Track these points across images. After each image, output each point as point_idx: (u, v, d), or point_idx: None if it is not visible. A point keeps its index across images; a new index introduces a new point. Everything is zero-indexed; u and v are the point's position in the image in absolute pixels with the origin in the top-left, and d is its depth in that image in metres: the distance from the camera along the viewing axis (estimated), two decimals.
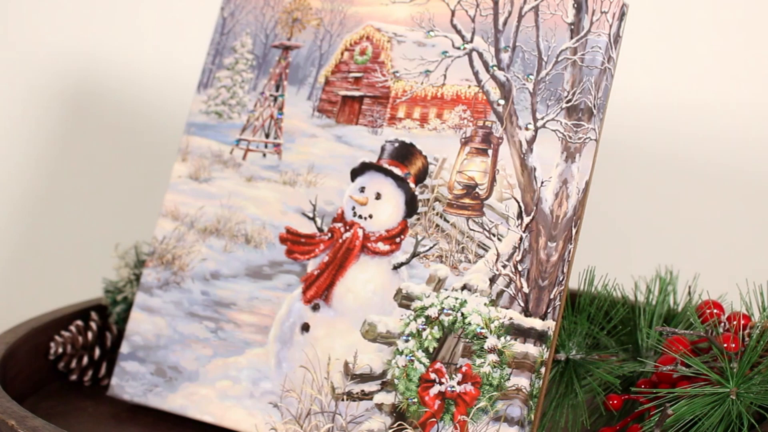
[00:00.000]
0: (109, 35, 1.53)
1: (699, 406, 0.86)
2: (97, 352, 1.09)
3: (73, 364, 1.09)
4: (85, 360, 1.09)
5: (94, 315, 1.13)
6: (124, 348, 1.05)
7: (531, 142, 0.89)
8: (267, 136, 1.04)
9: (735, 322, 0.94)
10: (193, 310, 1.02)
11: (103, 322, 1.13)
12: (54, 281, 1.52)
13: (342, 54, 1.02)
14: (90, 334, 1.10)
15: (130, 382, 1.03)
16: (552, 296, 0.86)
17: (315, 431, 0.92)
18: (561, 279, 0.87)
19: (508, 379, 0.85)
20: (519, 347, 0.86)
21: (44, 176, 1.54)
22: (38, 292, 1.51)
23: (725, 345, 0.91)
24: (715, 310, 0.93)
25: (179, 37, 1.52)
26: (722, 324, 0.95)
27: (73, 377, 1.09)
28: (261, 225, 1.01)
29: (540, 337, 0.85)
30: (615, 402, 0.94)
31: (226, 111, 1.07)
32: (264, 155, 1.03)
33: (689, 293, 1.03)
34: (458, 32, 0.95)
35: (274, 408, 0.95)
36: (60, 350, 1.08)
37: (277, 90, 1.04)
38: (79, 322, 1.11)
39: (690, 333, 0.90)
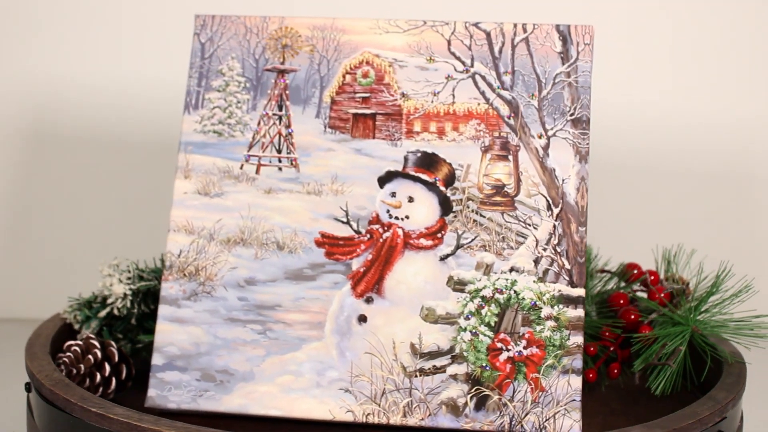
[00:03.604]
0: (75, 58, 1.48)
1: (669, 340, 1.04)
2: (107, 368, 1.01)
3: (86, 383, 1.00)
4: (98, 378, 1.00)
5: (88, 332, 1.04)
6: (158, 360, 0.99)
7: (546, 148, 1.00)
8: (279, 151, 1.03)
9: (652, 278, 1.14)
10: (233, 315, 0.99)
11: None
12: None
13: (343, 77, 1.04)
14: (98, 352, 1.01)
15: (173, 391, 0.98)
16: (586, 270, 0.98)
17: (394, 407, 0.96)
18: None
19: (568, 338, 0.96)
20: (572, 312, 0.96)
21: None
22: None
23: (660, 298, 1.10)
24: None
25: (144, 58, 1.47)
26: (647, 280, 1.13)
27: None
28: (292, 232, 1.01)
29: (583, 302, 0.97)
30: (592, 349, 1.08)
31: (226, 130, 1.04)
32: (280, 169, 1.03)
33: (594, 257, 1.20)
34: (458, 58, 1.03)
35: (346, 393, 0.96)
36: (74, 371, 0.99)
37: (280, 110, 1.04)
38: (80, 342, 1.02)
39: (677, 287, 1.07)
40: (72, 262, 1.46)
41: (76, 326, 1.08)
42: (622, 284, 1.15)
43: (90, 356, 1.01)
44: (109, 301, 1.05)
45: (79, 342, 1.02)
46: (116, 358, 1.03)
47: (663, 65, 1.50)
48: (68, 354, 1.00)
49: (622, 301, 1.10)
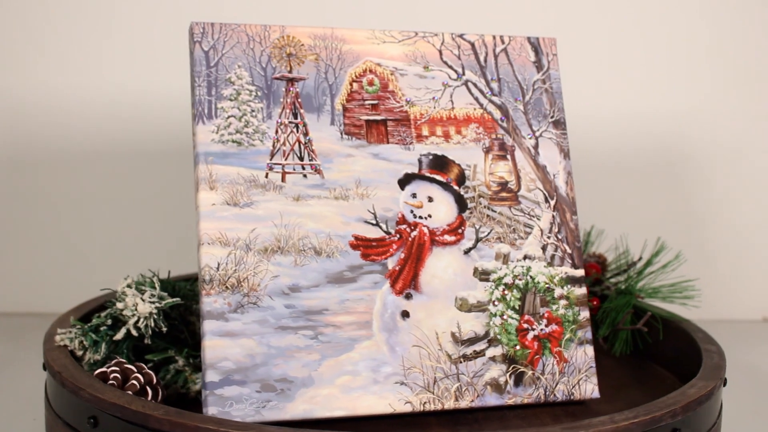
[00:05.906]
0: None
1: (623, 307, 1.16)
2: (150, 392, 0.92)
3: None
4: None
5: (119, 358, 0.93)
6: (212, 377, 0.92)
7: (536, 147, 1.07)
8: (301, 158, 0.99)
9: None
10: (283, 323, 0.95)
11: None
12: None
13: (351, 85, 1.03)
14: (140, 377, 0.92)
15: (234, 406, 0.92)
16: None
17: (446, 392, 0.98)
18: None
19: (579, 314, 1.04)
20: (578, 291, 1.05)
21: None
22: None
23: (594, 270, 1.22)
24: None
25: (136, 66, 1.41)
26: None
27: None
28: (326, 237, 0.98)
29: (584, 281, 1.06)
30: None
31: (245, 139, 0.98)
32: (305, 176, 0.99)
33: None
34: (450, 67, 1.06)
35: (402, 386, 0.97)
36: None
37: (295, 117, 1.00)
38: (115, 368, 0.91)
39: (598, 261, 1.19)
40: (68, 266, 1.36)
41: (80, 353, 0.97)
42: None
43: (133, 381, 0.92)
44: (131, 321, 0.96)
45: (115, 368, 0.92)
46: (154, 381, 0.94)
47: (599, 64, 1.59)
48: (111, 382, 0.91)
49: None
